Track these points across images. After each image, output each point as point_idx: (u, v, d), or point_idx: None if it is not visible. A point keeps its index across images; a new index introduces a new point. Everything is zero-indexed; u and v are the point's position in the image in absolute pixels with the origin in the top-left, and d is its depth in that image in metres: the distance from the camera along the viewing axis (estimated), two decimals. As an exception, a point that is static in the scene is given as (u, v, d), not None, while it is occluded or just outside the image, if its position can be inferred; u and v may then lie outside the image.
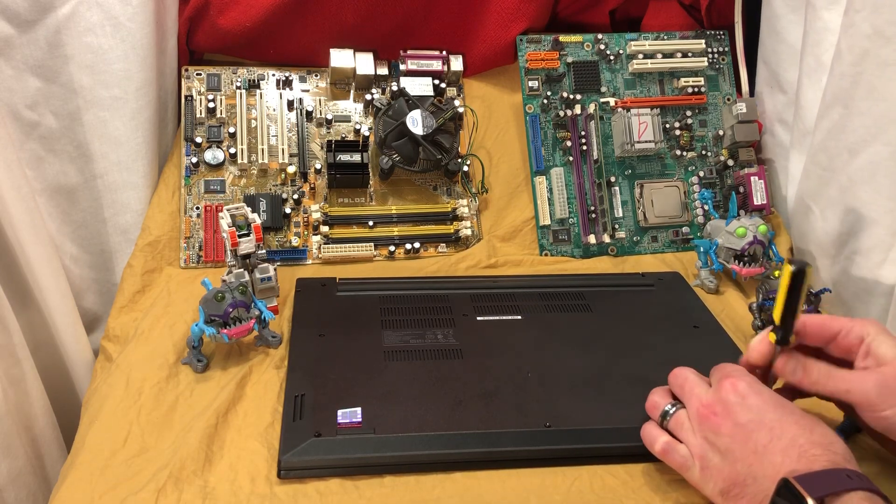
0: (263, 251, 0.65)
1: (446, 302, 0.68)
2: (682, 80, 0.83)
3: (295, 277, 0.70)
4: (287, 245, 0.75)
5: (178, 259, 0.73)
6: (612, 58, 0.83)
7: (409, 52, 0.80)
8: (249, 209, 0.62)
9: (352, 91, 0.80)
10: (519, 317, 0.67)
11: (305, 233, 0.76)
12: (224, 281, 0.60)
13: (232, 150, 0.75)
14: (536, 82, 0.81)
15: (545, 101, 0.81)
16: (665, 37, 0.84)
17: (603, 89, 0.82)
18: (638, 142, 0.78)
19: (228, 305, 0.58)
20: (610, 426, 0.55)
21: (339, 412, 0.54)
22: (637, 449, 0.52)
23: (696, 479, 0.48)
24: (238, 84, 0.78)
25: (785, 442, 0.45)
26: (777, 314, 0.49)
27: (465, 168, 0.79)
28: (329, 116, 0.78)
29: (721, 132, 0.83)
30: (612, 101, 0.81)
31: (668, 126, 0.82)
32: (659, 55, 0.82)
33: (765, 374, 0.52)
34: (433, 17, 0.81)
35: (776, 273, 0.67)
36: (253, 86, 0.78)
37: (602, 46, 0.82)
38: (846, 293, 0.70)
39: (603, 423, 0.55)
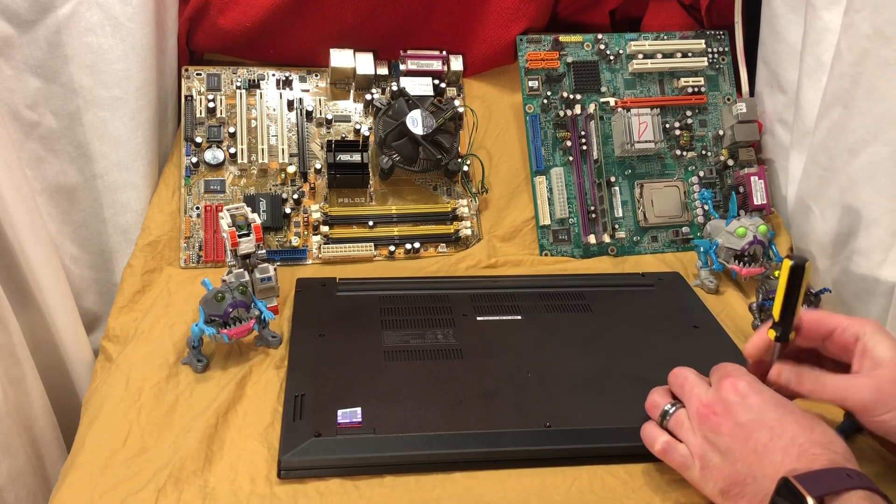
0: (263, 251, 0.65)
1: (446, 302, 0.68)
2: (682, 80, 0.83)
3: (295, 277, 0.70)
4: (287, 245, 0.75)
5: (178, 259, 0.73)
6: (612, 58, 0.83)
7: (409, 52, 0.80)
8: (249, 209, 0.62)
9: (352, 91, 0.80)
10: (519, 317, 0.67)
11: (305, 233, 0.76)
12: (224, 281, 0.60)
13: (232, 150, 0.75)
14: (536, 82, 0.81)
15: (545, 101, 0.81)
16: (665, 37, 0.84)
17: (603, 89, 0.82)
18: (638, 142, 0.78)
19: (228, 305, 0.58)
20: (610, 426, 0.55)
21: (339, 412, 0.54)
22: (637, 449, 0.52)
23: (696, 479, 0.48)
24: (238, 84, 0.78)
25: (785, 441, 0.45)
26: (776, 310, 0.49)
27: (465, 168, 0.79)
28: (329, 116, 0.78)
29: (721, 132, 0.83)
30: (612, 101, 0.81)
31: (668, 126, 0.82)
32: (659, 55, 0.82)
33: (765, 373, 0.52)
34: (433, 17, 0.81)
35: (776, 273, 0.67)
36: (253, 86, 0.78)
37: (602, 46, 0.82)
38: (846, 293, 0.70)
39: (603, 423, 0.55)
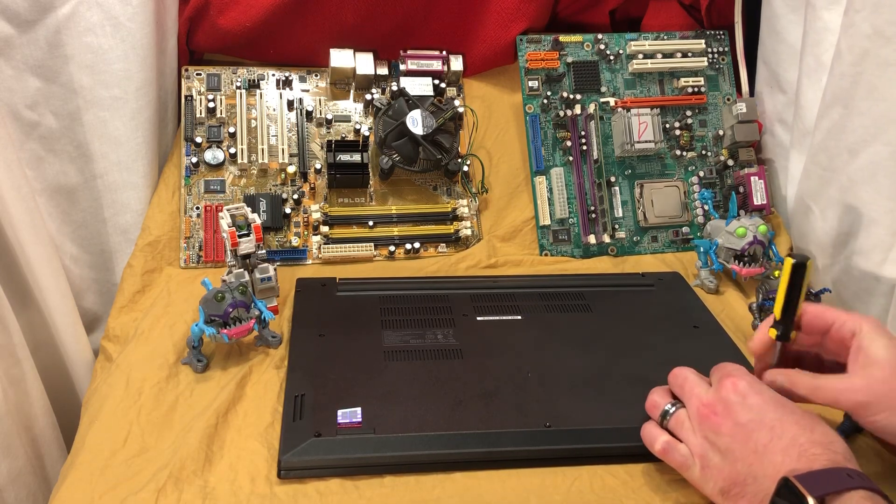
0: (263, 251, 0.65)
1: (446, 302, 0.68)
2: (682, 80, 0.83)
3: (295, 277, 0.70)
4: (287, 245, 0.75)
5: (178, 259, 0.73)
6: (612, 58, 0.83)
7: (409, 52, 0.80)
8: (249, 209, 0.62)
9: (352, 91, 0.80)
10: (519, 317, 0.67)
11: (305, 233, 0.76)
12: (224, 281, 0.60)
13: (232, 150, 0.75)
14: (536, 82, 0.81)
15: (545, 101, 0.81)
16: (665, 37, 0.84)
17: (603, 89, 0.82)
18: (638, 142, 0.78)
19: (228, 305, 0.58)
20: (610, 426, 0.55)
21: (339, 412, 0.53)
22: (637, 449, 0.52)
23: (696, 479, 0.48)
24: (238, 84, 0.78)
25: (785, 441, 0.45)
26: (778, 309, 0.49)
27: (465, 168, 0.79)
28: (329, 116, 0.78)
29: (721, 132, 0.83)
30: (612, 101, 0.81)
31: (668, 126, 0.82)
32: (659, 55, 0.82)
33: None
34: (433, 17, 0.81)
35: (776, 273, 0.67)
36: (253, 86, 0.78)
37: (602, 46, 0.82)
38: (846, 293, 0.70)
39: (603, 423, 0.55)
